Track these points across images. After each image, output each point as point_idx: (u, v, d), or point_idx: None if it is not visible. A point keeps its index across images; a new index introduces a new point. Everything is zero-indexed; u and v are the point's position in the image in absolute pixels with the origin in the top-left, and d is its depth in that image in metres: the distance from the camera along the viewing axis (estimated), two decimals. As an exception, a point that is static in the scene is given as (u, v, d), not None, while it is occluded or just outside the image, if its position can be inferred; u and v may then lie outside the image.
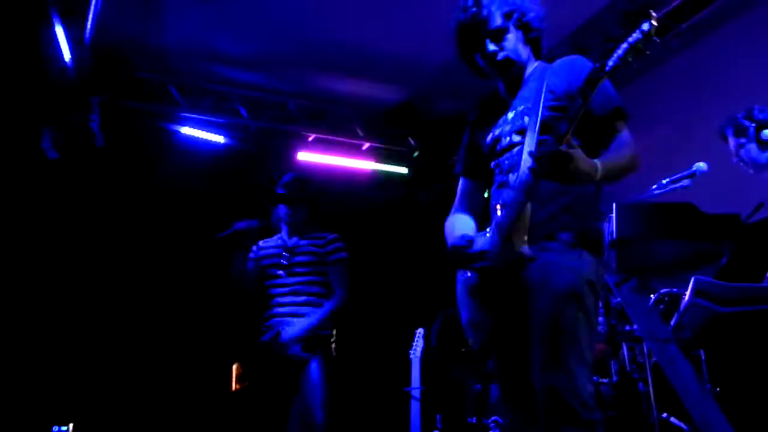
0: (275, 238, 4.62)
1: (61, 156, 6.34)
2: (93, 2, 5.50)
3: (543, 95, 2.44)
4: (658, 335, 3.52)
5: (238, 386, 6.03)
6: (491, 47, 2.55)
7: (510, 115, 2.60)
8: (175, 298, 6.81)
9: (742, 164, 3.80)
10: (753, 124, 3.67)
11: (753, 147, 3.70)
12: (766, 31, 4.87)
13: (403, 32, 6.02)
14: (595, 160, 2.23)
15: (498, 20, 2.55)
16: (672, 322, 3.45)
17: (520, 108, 2.56)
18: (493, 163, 2.66)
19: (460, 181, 2.88)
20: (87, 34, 5.89)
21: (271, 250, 4.54)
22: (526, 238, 2.34)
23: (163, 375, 6.65)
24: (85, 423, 6.07)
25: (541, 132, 2.37)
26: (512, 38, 2.58)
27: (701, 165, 3.72)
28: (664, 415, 3.69)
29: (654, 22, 1.99)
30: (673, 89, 5.21)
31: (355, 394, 6.50)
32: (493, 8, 2.54)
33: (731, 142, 3.80)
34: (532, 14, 2.62)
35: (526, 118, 2.49)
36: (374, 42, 6.20)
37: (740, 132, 3.72)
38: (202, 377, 6.56)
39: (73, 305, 6.45)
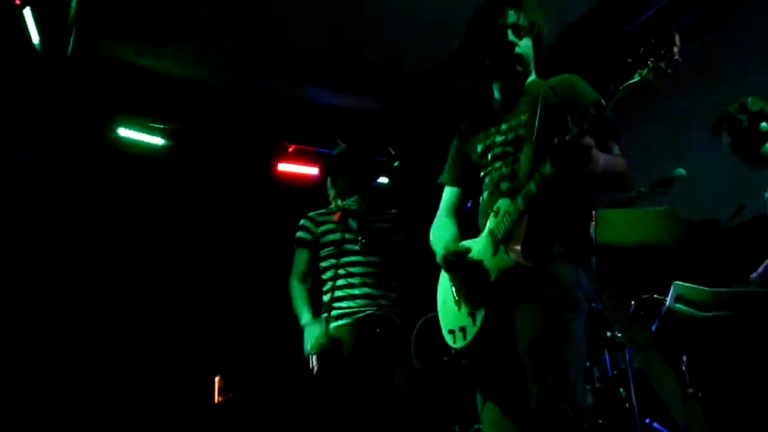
0: (331, 209, 4.14)
1: (40, 168, 6.31)
2: (71, 16, 5.45)
3: (539, 108, 2.46)
4: (640, 341, 3.53)
5: (221, 398, 6.01)
6: (511, 38, 2.58)
7: (503, 126, 2.61)
8: (156, 310, 6.77)
9: (739, 158, 3.67)
10: (746, 117, 3.57)
11: (748, 141, 3.57)
12: (745, 36, 4.90)
13: (382, 41, 6.02)
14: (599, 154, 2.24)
15: (523, 21, 2.60)
16: (653, 328, 3.45)
17: (515, 120, 2.58)
18: (482, 172, 2.67)
19: (446, 190, 2.87)
20: (65, 47, 5.85)
21: (339, 225, 4.04)
22: (519, 247, 2.36)
23: (146, 387, 6.59)
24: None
25: (537, 144, 2.40)
26: (528, 43, 2.63)
27: (680, 170, 3.73)
28: (647, 420, 3.69)
29: (678, 43, 1.94)
30: (652, 95, 5.23)
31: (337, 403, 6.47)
32: (521, 10, 2.61)
33: (725, 137, 3.68)
34: (545, 38, 2.69)
35: (521, 130, 2.52)
36: (353, 51, 6.20)
37: (734, 126, 3.62)
38: (185, 389, 6.52)
39: (51, 317, 6.39)
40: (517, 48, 2.58)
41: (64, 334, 6.39)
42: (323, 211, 4.15)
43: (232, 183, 7.26)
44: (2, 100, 5.97)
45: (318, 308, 3.94)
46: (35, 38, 5.43)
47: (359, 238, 3.91)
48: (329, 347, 3.71)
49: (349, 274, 3.89)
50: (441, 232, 2.74)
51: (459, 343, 2.54)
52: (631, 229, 3.55)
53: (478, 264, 2.44)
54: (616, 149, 2.46)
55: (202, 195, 7.18)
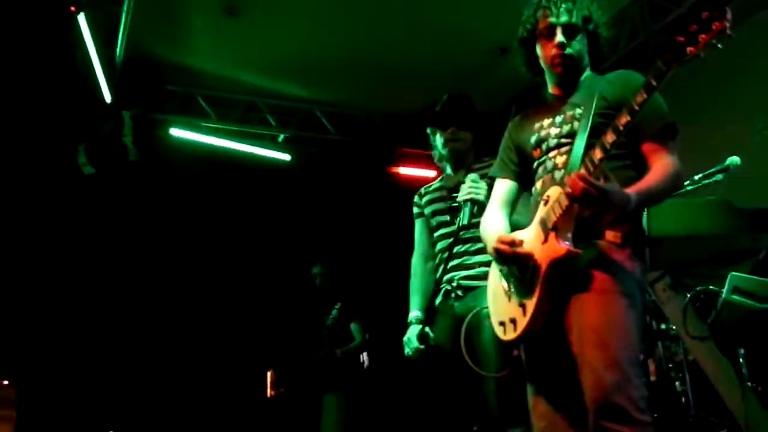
0: (438, 179, 3.71)
1: (96, 171, 6.45)
2: (123, 19, 5.58)
3: (595, 101, 2.43)
4: (695, 333, 3.47)
5: (273, 393, 6.10)
6: (560, 38, 2.55)
7: (558, 118, 2.59)
8: (211, 307, 6.89)
9: None
10: None
11: None
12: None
13: (431, 37, 6.04)
14: (631, 193, 2.24)
15: (576, 18, 2.56)
16: (709, 320, 3.39)
17: (570, 112, 2.55)
18: (536, 163, 2.64)
19: (497, 182, 2.83)
20: (118, 51, 5.98)
21: (434, 194, 3.62)
22: (570, 234, 2.33)
23: (201, 383, 6.72)
24: (125, 430, 6.18)
25: (590, 137, 2.36)
26: (581, 41, 2.59)
27: (734, 159, 3.65)
28: (703, 414, 3.63)
29: (729, 17, 1.93)
30: (705, 81, 5.13)
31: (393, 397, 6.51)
32: (574, 6, 2.56)
33: None
34: (603, 30, 2.65)
35: (576, 123, 2.49)
36: (401, 48, 6.23)
37: None
38: (238, 384, 6.63)
39: (112, 316, 6.56)
40: (568, 48, 2.55)
41: (120, 334, 6.55)
42: (433, 183, 3.77)
43: (278, 181, 7.35)
44: (58, 104, 6.14)
45: None
46: (89, 42, 5.57)
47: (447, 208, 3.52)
48: (418, 354, 3.39)
49: (440, 251, 3.53)
50: (492, 224, 2.71)
51: (509, 335, 2.50)
52: (685, 219, 3.47)
53: (529, 254, 2.41)
54: (670, 148, 2.43)
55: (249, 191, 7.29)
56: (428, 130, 3.64)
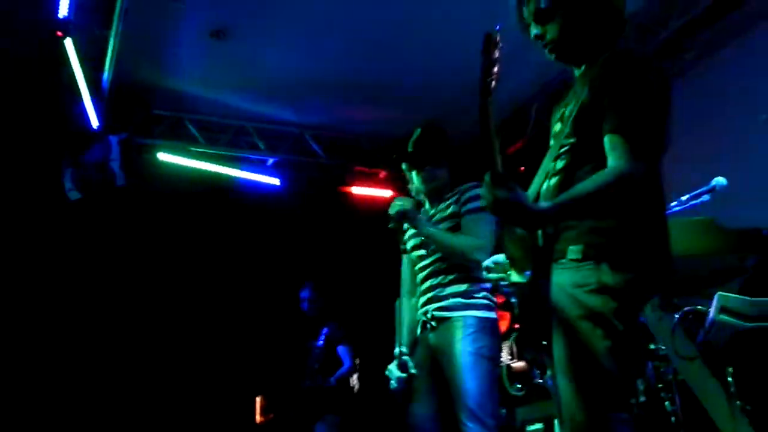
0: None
1: (82, 196, 6.42)
2: (111, 44, 5.58)
3: (583, 97, 2.10)
4: (684, 353, 3.46)
5: (262, 419, 6.05)
6: (536, 29, 2.27)
7: (557, 114, 2.32)
8: (199, 332, 6.85)
9: None
10: None
11: None
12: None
13: (418, 59, 6.05)
14: (544, 204, 2.02)
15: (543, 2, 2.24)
16: (697, 340, 3.39)
17: (568, 109, 2.21)
18: None
19: None
20: (105, 75, 5.98)
21: (413, 229, 3.52)
22: (526, 263, 2.12)
23: (190, 408, 6.66)
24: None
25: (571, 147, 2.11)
26: (559, 21, 2.23)
27: (721, 180, 3.68)
28: (693, 433, 3.62)
29: None
30: (690, 102, 5.16)
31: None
32: None
33: None
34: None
35: (559, 125, 2.25)
36: (389, 71, 6.24)
37: None
38: (227, 410, 6.57)
39: (101, 341, 6.51)
40: (547, 35, 2.23)
41: (106, 360, 6.51)
42: None
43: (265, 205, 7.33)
44: (44, 130, 6.14)
45: None
46: (76, 67, 5.57)
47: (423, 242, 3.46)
48: (402, 383, 3.34)
49: (419, 280, 3.49)
50: None
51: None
52: (672, 240, 3.49)
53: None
54: (629, 142, 1.96)
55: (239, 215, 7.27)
56: (404, 166, 3.61)
